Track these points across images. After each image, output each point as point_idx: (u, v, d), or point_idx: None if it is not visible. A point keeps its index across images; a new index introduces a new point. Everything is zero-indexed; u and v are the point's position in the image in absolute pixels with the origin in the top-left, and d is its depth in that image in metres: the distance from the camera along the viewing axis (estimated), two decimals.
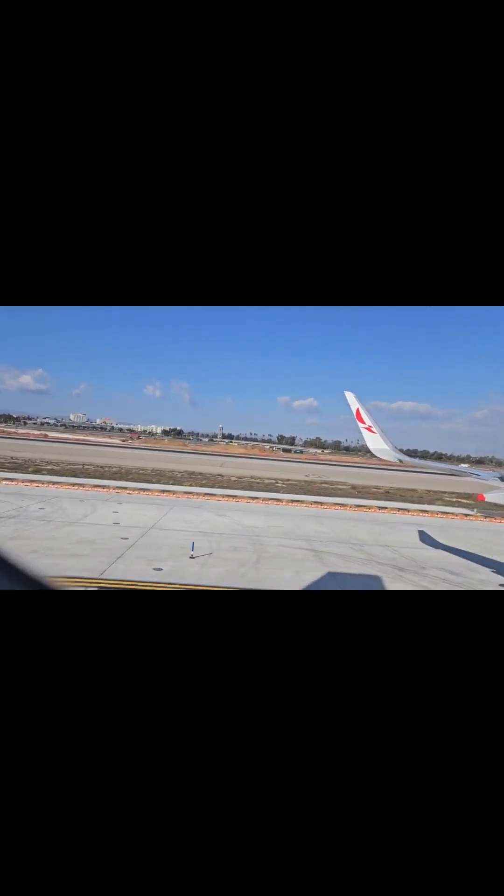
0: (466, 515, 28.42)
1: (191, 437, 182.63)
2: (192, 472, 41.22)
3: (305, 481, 43.21)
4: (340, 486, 41.43)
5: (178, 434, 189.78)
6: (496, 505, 13.87)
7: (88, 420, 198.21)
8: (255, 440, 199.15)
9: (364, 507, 28.12)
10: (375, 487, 42.84)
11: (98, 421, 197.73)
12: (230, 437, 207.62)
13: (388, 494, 38.17)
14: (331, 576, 12.06)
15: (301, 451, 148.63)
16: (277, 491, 33.21)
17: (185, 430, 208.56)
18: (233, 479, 39.43)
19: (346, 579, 11.96)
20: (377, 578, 12.21)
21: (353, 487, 41.02)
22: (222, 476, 41.03)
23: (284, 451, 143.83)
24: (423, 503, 33.36)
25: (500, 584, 13.14)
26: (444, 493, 43.56)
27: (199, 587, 10.03)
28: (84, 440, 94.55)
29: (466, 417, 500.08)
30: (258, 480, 39.86)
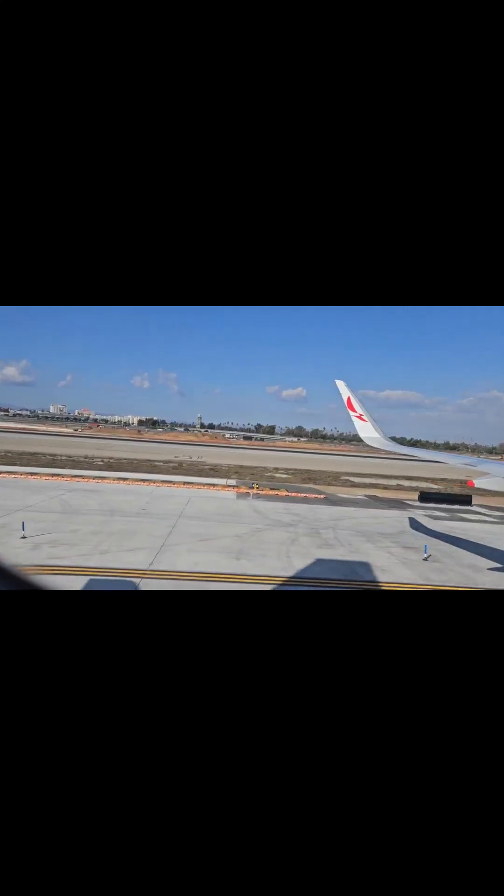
0: (217, 485, 28.86)
1: (163, 427, 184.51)
2: (27, 453, 42.14)
3: (142, 461, 43.81)
4: (170, 464, 41.97)
5: (153, 424, 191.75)
6: (487, 490, 13.90)
7: (67, 412, 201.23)
8: (233, 429, 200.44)
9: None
10: (211, 466, 43.24)
11: (76, 412, 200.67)
12: (211, 426, 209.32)
13: (212, 470, 38.63)
14: None
15: (262, 439, 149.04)
16: (81, 468, 33.97)
17: (169, 421, 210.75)
18: (48, 457, 40.27)
19: None
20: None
21: (180, 465, 41.54)
22: (55, 456, 41.89)
23: (245, 438, 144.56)
24: (212, 477, 33.76)
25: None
26: (278, 469, 43.77)
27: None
28: (28, 429, 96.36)
29: (454, 405, 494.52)
30: (88, 460, 40.62)
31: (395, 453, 19.41)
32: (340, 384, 16.90)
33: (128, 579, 10.98)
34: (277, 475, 39.60)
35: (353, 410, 16.81)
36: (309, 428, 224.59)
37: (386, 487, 35.35)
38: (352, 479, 40.52)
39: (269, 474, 39.71)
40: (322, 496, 27.58)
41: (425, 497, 28.59)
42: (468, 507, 27.35)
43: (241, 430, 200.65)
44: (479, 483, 13.54)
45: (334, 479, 39.75)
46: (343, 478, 40.84)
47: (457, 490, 33.30)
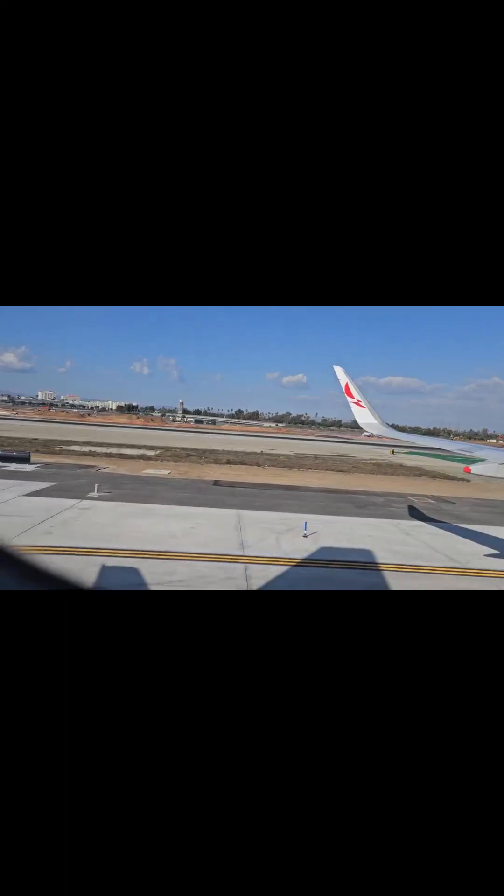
0: None
1: (140, 413, 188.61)
2: None
3: None
4: None
5: (129, 409, 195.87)
6: (484, 476, 14.12)
7: (55, 397, 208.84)
8: (213, 415, 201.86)
9: None
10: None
11: (63, 398, 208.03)
12: (197, 412, 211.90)
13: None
14: None
15: (214, 423, 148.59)
16: None
17: (159, 407, 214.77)
18: None
19: None
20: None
21: None
22: None
23: (197, 422, 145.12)
24: None
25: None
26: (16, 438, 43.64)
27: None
28: None
29: (454, 391, 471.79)
30: None
31: (390, 439, 19.22)
32: (339, 370, 16.74)
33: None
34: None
35: (351, 396, 16.69)
36: (313, 415, 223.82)
37: (69, 454, 34.51)
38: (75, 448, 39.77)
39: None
40: None
41: None
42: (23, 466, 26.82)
43: (226, 416, 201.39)
44: (475, 469, 13.19)
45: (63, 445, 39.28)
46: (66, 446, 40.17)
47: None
